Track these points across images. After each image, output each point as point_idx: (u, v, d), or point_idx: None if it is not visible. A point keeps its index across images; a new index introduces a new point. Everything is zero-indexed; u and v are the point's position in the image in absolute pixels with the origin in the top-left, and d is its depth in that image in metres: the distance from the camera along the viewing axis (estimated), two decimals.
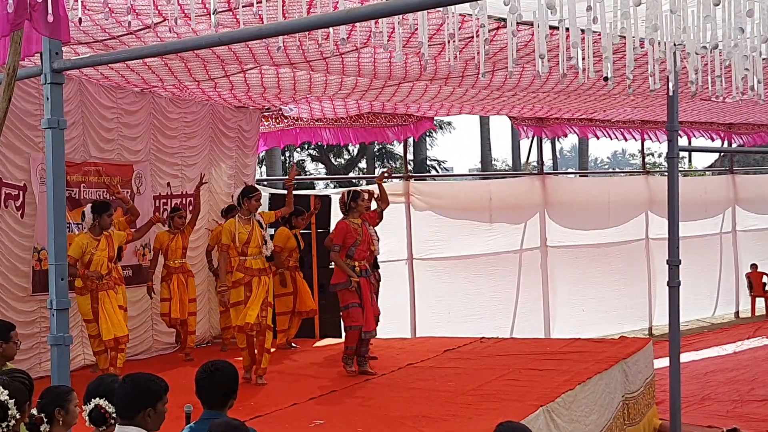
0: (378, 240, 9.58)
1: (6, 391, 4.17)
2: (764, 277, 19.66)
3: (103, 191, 10.32)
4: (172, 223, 10.69)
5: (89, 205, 8.98)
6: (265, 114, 13.43)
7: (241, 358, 9.11)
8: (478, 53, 5.49)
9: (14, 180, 9.33)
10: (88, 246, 8.80)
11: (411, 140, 16.49)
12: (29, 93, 9.25)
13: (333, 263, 9.56)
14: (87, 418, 4.37)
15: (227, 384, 4.32)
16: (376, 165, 38.76)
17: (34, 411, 4.32)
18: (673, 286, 9.01)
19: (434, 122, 15.95)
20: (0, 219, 9.21)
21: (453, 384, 8.66)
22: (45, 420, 4.24)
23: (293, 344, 11.32)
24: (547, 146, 38.48)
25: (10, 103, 5.07)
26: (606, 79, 5.29)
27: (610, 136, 16.62)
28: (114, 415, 4.21)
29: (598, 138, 16.65)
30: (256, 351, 8.98)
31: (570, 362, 9.47)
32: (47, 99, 5.41)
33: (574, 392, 8.07)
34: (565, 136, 16.65)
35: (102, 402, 4.27)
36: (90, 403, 4.34)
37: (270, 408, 7.74)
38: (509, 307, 15.81)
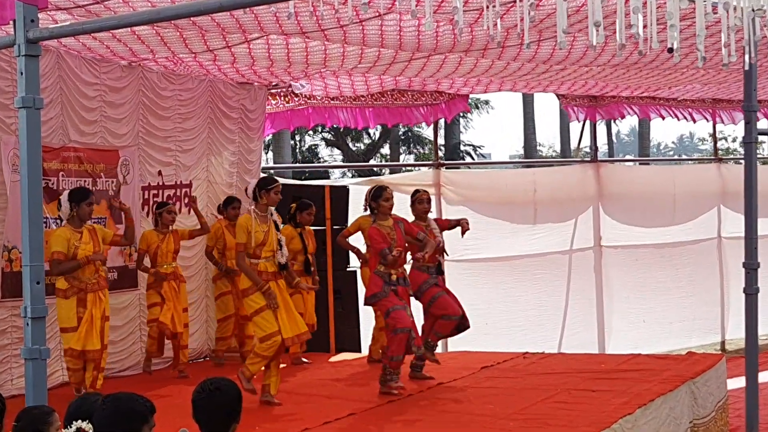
0: (440, 244, 9.80)
1: None
2: None
3: (85, 180, 10.39)
4: (161, 220, 10.65)
5: (66, 192, 9.04)
6: (273, 91, 13.47)
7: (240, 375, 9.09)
8: (522, 20, 5.48)
9: None
10: (71, 239, 8.87)
11: (442, 122, 16.48)
12: (0, 67, 9.31)
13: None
14: None
15: (229, 405, 4.34)
16: (401, 151, 38.76)
17: None
18: (751, 293, 8.96)
19: (469, 101, 15.94)
20: None
21: (491, 407, 8.63)
22: None
23: (304, 359, 11.37)
24: (601, 129, 38.38)
25: None
26: (671, 50, 5.27)
27: (676, 117, 16.53)
28: None
29: (663, 119, 16.56)
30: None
31: (629, 382, 9.43)
32: (21, 74, 5.46)
33: (633, 417, 8.04)
34: (623, 117, 16.57)
35: (85, 425, 4.30)
36: (71, 427, 4.37)
37: None
38: (557, 317, 15.77)
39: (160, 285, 10.47)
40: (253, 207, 8.88)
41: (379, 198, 9.30)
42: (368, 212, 9.57)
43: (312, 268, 11.29)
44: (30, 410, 4.59)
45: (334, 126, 15.78)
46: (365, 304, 9.66)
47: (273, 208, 9.04)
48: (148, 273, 10.58)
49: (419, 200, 10.13)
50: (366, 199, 9.57)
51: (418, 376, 9.88)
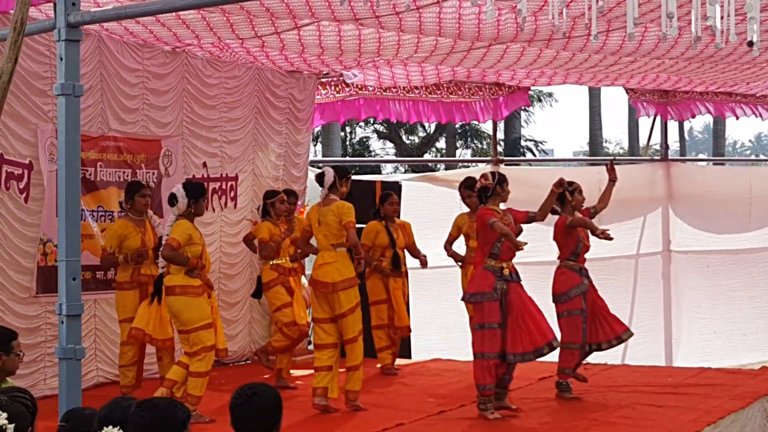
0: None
1: (4, 414, 4.25)
2: None
3: (124, 171, 10.48)
4: (273, 210, 10.47)
5: (181, 186, 8.92)
6: (323, 81, 13.50)
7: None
8: (589, 9, 5.45)
9: (18, 156, 9.52)
10: (193, 236, 8.77)
11: None
12: (38, 51, 9.43)
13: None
14: None
15: (268, 410, 4.34)
16: (458, 145, 38.70)
17: None
18: None
19: (531, 93, 15.88)
20: (0, 203, 9.40)
21: (548, 421, 8.63)
22: None
23: (395, 367, 11.34)
24: (673, 126, 38.01)
25: (16, 64, 5.17)
26: (750, 44, 5.22)
27: (754, 115, 16.35)
28: None
29: (737, 117, 16.39)
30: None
31: (697, 397, 9.38)
32: (61, 59, 5.52)
33: None
34: (694, 116, 16.42)
35: (116, 431, 4.32)
36: None
37: None
38: None
39: (286, 281, 10.37)
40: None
41: (504, 183, 9.10)
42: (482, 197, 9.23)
43: (402, 264, 11.20)
44: (78, 412, 4.61)
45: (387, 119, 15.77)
46: (464, 299, 9.38)
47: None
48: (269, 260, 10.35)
49: (579, 190, 9.71)
50: (483, 184, 9.09)
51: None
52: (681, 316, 16.15)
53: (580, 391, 9.76)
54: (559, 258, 9.74)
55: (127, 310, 9.26)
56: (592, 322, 9.61)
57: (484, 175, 9.31)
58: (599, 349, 9.72)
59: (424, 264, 11.28)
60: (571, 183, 9.55)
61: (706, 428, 8.11)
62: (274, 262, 10.30)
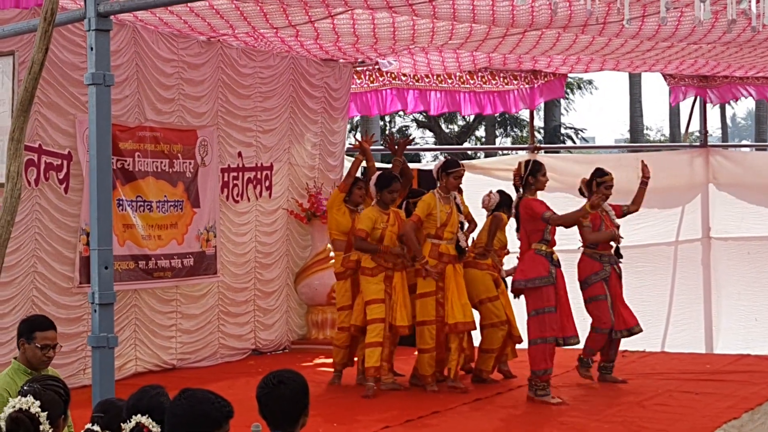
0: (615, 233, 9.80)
1: (37, 402, 4.27)
2: None
3: (162, 161, 10.52)
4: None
5: (375, 176, 9.49)
6: (358, 69, 13.50)
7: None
8: None
9: (57, 147, 9.60)
10: (378, 220, 9.31)
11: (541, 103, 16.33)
12: (74, 42, 9.48)
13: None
14: None
15: (295, 397, 4.33)
16: (498, 134, 38.56)
17: (92, 427, 4.41)
18: None
19: (571, 80, 15.80)
20: (40, 194, 9.48)
21: (584, 408, 8.61)
22: None
23: (512, 374, 10.25)
24: (715, 112, 37.68)
25: (47, 55, 5.20)
26: None
27: None
28: None
29: None
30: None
31: (736, 384, 9.33)
32: (91, 49, 5.55)
33: (739, 422, 7.95)
34: (736, 99, 16.26)
35: (144, 420, 4.31)
36: (130, 421, 4.39)
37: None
38: (660, 313, 15.56)
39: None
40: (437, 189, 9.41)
41: (537, 173, 9.14)
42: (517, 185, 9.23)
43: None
44: (112, 402, 4.64)
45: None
46: (517, 286, 9.13)
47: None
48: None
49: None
50: (517, 174, 9.19)
51: (608, 378, 9.77)
52: (721, 303, 16.02)
53: (621, 376, 9.82)
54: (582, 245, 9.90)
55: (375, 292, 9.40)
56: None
57: (519, 164, 9.35)
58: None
59: None
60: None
61: (743, 415, 8.07)
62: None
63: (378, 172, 9.71)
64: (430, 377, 9.39)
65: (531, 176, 9.08)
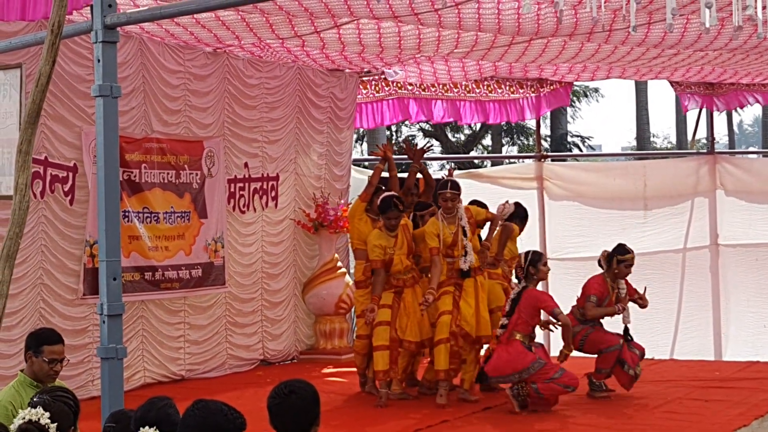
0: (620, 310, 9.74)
1: (47, 413, 4.29)
2: None
3: (168, 173, 10.54)
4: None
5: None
6: (364, 79, 13.52)
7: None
8: (628, 2, 5.41)
9: (62, 159, 9.61)
10: (387, 247, 9.40)
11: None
12: (80, 54, 9.51)
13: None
14: None
15: (306, 408, 4.33)
16: (504, 142, 38.57)
17: None
18: None
19: (577, 88, 15.82)
20: (45, 206, 9.50)
21: (593, 417, 8.60)
22: None
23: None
24: (721, 119, 37.64)
25: (54, 67, 5.21)
26: None
27: None
28: None
29: None
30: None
31: (745, 392, 9.32)
32: (98, 61, 5.57)
33: (749, 429, 7.93)
34: (742, 106, 16.27)
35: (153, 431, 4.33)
36: None
37: None
38: (669, 320, 15.57)
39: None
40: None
41: (538, 262, 9.07)
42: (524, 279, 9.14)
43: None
44: (125, 413, 4.65)
45: None
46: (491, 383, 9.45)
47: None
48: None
49: (627, 264, 9.64)
50: (518, 265, 9.19)
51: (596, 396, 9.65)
52: (729, 310, 16.01)
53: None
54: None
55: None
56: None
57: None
58: None
59: None
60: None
61: (753, 422, 8.05)
62: None
63: (382, 196, 9.62)
64: (443, 372, 9.16)
65: (531, 266, 9.03)
